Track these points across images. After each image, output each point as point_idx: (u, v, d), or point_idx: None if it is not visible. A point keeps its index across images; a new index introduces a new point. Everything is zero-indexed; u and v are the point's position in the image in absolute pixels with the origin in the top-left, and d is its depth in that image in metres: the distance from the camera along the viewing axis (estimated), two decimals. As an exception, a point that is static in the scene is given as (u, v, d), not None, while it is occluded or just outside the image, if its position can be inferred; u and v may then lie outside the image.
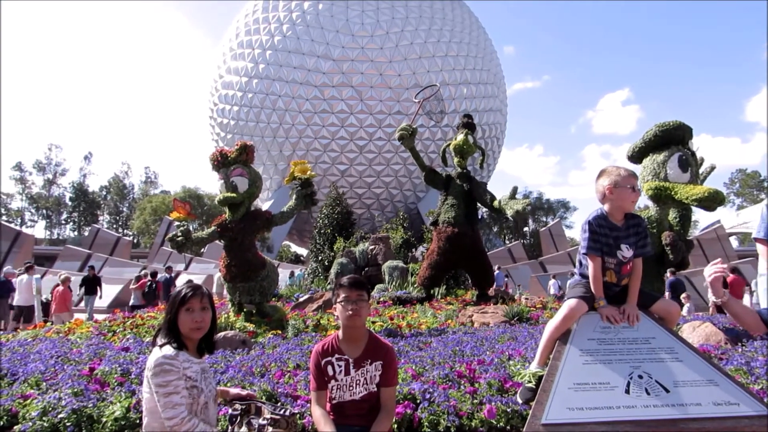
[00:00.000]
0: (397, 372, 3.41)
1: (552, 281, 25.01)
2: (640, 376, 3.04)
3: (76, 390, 4.66)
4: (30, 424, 4.15)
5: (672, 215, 7.61)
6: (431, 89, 14.21)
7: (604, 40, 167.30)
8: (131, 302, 18.54)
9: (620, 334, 3.29)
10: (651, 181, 6.83)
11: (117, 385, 5.02)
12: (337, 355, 3.19)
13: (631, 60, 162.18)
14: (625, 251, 3.51)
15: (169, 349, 2.76)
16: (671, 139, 6.86)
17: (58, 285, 15.82)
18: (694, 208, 7.14)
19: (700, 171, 7.56)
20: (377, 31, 44.85)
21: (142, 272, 21.23)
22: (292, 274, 27.20)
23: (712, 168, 8.35)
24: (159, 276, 19.87)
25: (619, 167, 3.56)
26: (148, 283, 18.68)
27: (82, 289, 18.75)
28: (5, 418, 4.36)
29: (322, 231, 24.43)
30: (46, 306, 16.84)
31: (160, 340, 2.85)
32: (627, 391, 2.98)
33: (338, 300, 3.19)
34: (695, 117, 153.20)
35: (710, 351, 5.85)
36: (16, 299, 15.99)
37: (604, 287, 3.50)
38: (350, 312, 3.13)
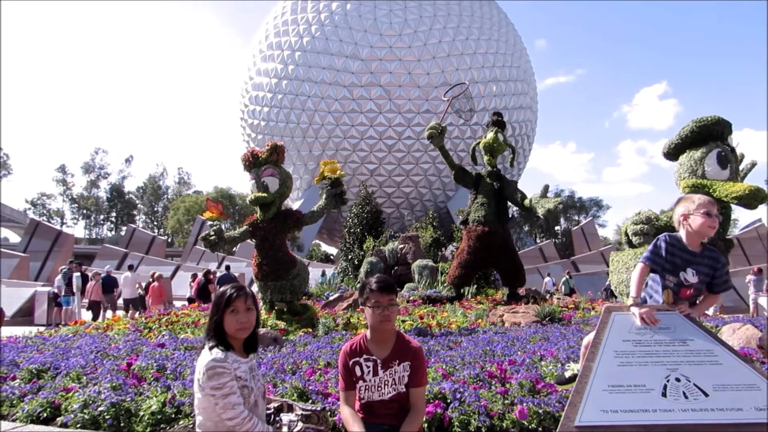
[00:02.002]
0: (426, 372, 3.39)
1: (547, 279, 24.69)
2: (678, 379, 2.97)
3: (114, 384, 4.80)
4: (72, 416, 4.29)
5: (710, 213, 7.39)
6: (460, 87, 14.11)
7: (639, 32, 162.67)
8: (188, 296, 20.44)
9: (657, 335, 3.21)
10: (688, 179, 6.65)
11: (153, 381, 5.15)
12: (365, 356, 3.17)
13: (668, 52, 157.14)
14: (690, 276, 3.48)
15: (218, 352, 2.81)
16: (709, 134, 6.65)
17: (153, 281, 18.46)
18: (733, 206, 6.92)
19: (740, 167, 7.33)
20: (405, 30, 44.80)
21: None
22: (323, 273, 27.41)
23: (753, 164, 8.09)
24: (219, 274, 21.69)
25: (697, 194, 3.61)
26: (203, 280, 20.10)
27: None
28: (49, 410, 4.52)
29: (352, 230, 24.54)
30: (142, 299, 18.94)
31: (208, 342, 2.90)
32: (664, 395, 2.91)
33: (368, 304, 3.16)
34: (737, 110, 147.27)
35: (751, 354, 5.69)
36: (123, 293, 18.50)
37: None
38: (381, 318, 3.12)
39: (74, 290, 17.09)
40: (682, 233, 3.59)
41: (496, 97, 46.42)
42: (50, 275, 26.64)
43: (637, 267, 3.55)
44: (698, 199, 3.51)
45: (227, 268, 22.12)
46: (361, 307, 3.26)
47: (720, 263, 3.52)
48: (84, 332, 9.34)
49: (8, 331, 10.36)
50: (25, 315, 18.99)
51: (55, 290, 18.40)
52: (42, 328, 12.95)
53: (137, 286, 19.04)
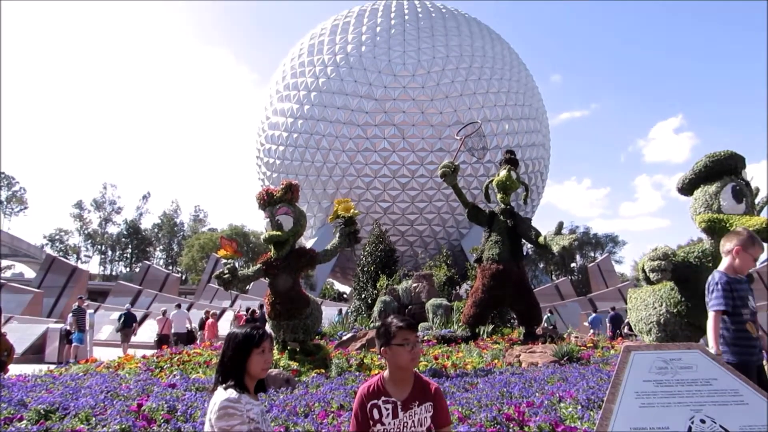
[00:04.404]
0: (449, 411, 3.30)
1: None
2: (703, 421, 2.85)
3: (123, 426, 4.74)
4: (79, 459, 4.21)
5: (728, 249, 7.29)
6: (473, 126, 14.24)
7: (654, 66, 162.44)
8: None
9: (678, 374, 3.11)
10: (704, 213, 6.59)
11: (163, 422, 5.06)
12: (383, 398, 3.05)
13: (683, 86, 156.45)
14: (752, 302, 3.79)
15: (233, 392, 2.78)
16: (723, 169, 6.63)
17: (207, 318, 21.36)
18: None
19: (756, 201, 7.25)
20: (418, 70, 45.66)
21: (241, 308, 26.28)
22: (340, 311, 27.34)
23: (770, 198, 8.00)
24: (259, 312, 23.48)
25: (751, 234, 3.97)
26: (246, 317, 21.96)
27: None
28: (56, 452, 4.45)
29: (366, 269, 24.43)
30: (191, 334, 21.02)
31: (223, 382, 2.87)
32: (688, 437, 2.80)
33: (394, 343, 3.04)
34: (755, 143, 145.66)
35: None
36: (174, 327, 20.52)
37: (748, 343, 3.75)
38: (412, 356, 3.04)
39: (87, 327, 17.12)
40: (726, 262, 3.94)
41: (509, 135, 46.75)
42: (63, 311, 26.79)
43: (711, 318, 3.74)
44: (758, 243, 3.91)
45: (261, 306, 22.90)
46: (383, 349, 3.10)
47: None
48: (95, 371, 9.29)
49: (18, 369, 10.33)
50: (35, 352, 18.98)
51: (68, 327, 18.48)
52: (52, 366, 12.92)
53: (187, 321, 21.20)
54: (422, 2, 53.44)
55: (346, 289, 62.04)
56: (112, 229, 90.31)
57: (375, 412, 3.04)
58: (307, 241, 44.38)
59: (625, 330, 19.52)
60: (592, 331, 20.58)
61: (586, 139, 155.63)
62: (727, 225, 6.26)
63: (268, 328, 10.43)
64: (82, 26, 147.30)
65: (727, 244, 4.02)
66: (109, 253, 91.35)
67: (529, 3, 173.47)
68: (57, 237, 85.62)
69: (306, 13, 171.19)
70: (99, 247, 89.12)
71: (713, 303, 3.82)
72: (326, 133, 45.56)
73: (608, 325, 21.43)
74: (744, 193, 6.48)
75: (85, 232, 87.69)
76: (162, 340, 19.72)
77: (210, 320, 21.24)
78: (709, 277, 4.01)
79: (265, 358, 2.91)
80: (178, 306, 22.44)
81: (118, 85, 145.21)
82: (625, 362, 3.21)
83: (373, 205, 45.08)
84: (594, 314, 23.36)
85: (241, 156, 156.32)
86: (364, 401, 3.07)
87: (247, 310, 23.23)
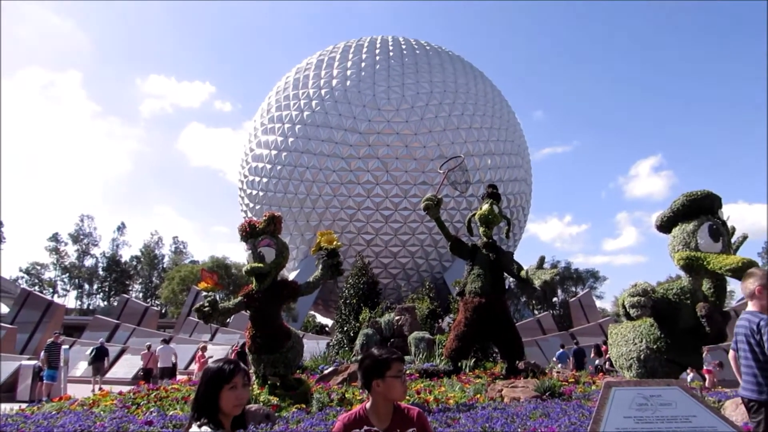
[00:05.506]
0: None
1: None
2: (682, 458, 2.87)
3: (97, 465, 4.59)
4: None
5: (706, 286, 7.39)
6: (456, 160, 14.40)
7: (634, 105, 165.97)
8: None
9: (658, 411, 3.13)
10: (682, 251, 6.71)
11: (138, 461, 4.93)
12: (366, 427, 3.06)
13: (663, 125, 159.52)
14: None
15: (208, 430, 2.73)
16: (700, 208, 6.80)
17: (200, 352, 21.80)
18: (728, 279, 6.95)
19: (732, 240, 7.43)
20: (403, 105, 46.34)
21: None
22: (328, 344, 27.07)
23: (744, 237, 8.18)
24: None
25: (766, 272, 4.22)
26: (239, 350, 22.14)
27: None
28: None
29: (348, 301, 24.26)
30: (174, 368, 21.06)
31: (197, 420, 2.80)
32: (669, 475, 2.81)
33: (391, 374, 3.04)
34: (731, 183, 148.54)
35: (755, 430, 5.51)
36: (160, 362, 20.66)
37: None
38: (405, 387, 3.09)
39: (61, 363, 16.68)
40: (756, 303, 4.19)
41: (491, 170, 47.37)
42: (38, 347, 26.07)
43: None
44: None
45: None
46: (376, 381, 3.08)
47: None
48: (68, 409, 9.01)
49: (-10, 407, 9.98)
50: (7, 390, 18.35)
51: (40, 363, 17.98)
52: (24, 405, 12.50)
53: (173, 356, 21.41)
54: (407, 39, 54.63)
55: (328, 321, 61.36)
56: (90, 262, 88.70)
57: None
58: (290, 273, 44.06)
59: (606, 365, 19.60)
60: (560, 365, 21.08)
61: (567, 174, 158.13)
62: (705, 263, 6.39)
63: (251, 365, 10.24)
64: (58, 55, 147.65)
65: (748, 287, 4.19)
66: (86, 286, 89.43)
67: (512, 41, 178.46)
68: (33, 271, 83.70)
69: (291, 48, 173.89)
70: (76, 280, 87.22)
71: None
72: (310, 166, 45.76)
73: (570, 359, 21.92)
74: (720, 232, 6.63)
75: (62, 265, 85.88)
76: (146, 375, 19.98)
77: (199, 353, 21.82)
78: (755, 321, 4.18)
79: (236, 394, 2.82)
80: (165, 341, 22.75)
81: (94, 117, 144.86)
82: (606, 398, 3.24)
83: (356, 238, 45.06)
84: (561, 350, 24.09)
85: (224, 188, 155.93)
86: (345, 430, 3.06)
87: (243, 345, 23.61)
